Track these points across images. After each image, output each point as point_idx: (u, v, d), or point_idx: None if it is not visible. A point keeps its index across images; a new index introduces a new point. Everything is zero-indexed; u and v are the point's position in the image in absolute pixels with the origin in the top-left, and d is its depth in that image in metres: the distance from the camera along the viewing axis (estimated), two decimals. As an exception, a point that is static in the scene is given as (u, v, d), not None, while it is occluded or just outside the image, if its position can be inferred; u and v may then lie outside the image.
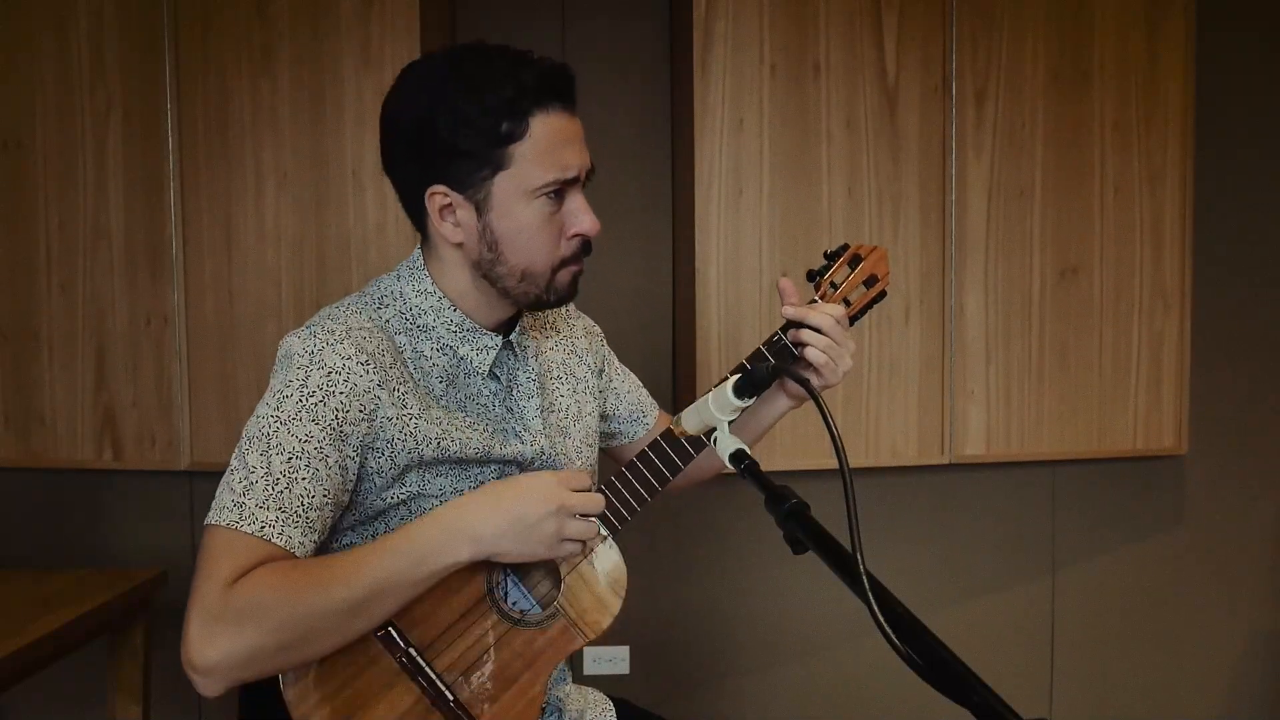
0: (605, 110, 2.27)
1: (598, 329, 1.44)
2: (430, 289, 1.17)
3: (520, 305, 1.19)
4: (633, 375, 1.47)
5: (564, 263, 1.16)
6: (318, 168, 1.97)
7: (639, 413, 1.45)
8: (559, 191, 1.13)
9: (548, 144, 1.10)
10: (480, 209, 1.12)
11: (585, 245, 1.17)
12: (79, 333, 1.99)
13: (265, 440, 1.04)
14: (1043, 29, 2.10)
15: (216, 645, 0.97)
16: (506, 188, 1.11)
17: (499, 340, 1.20)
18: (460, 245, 1.15)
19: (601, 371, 1.40)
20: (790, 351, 1.25)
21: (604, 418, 1.42)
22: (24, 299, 1.99)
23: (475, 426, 1.16)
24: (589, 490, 1.14)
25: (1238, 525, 2.48)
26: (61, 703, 2.21)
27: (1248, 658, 2.49)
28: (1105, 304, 2.14)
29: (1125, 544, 2.45)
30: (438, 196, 1.13)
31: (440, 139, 1.10)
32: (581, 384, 1.34)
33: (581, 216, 1.15)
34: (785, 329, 1.25)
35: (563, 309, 1.38)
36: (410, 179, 1.16)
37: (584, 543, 1.13)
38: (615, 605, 1.18)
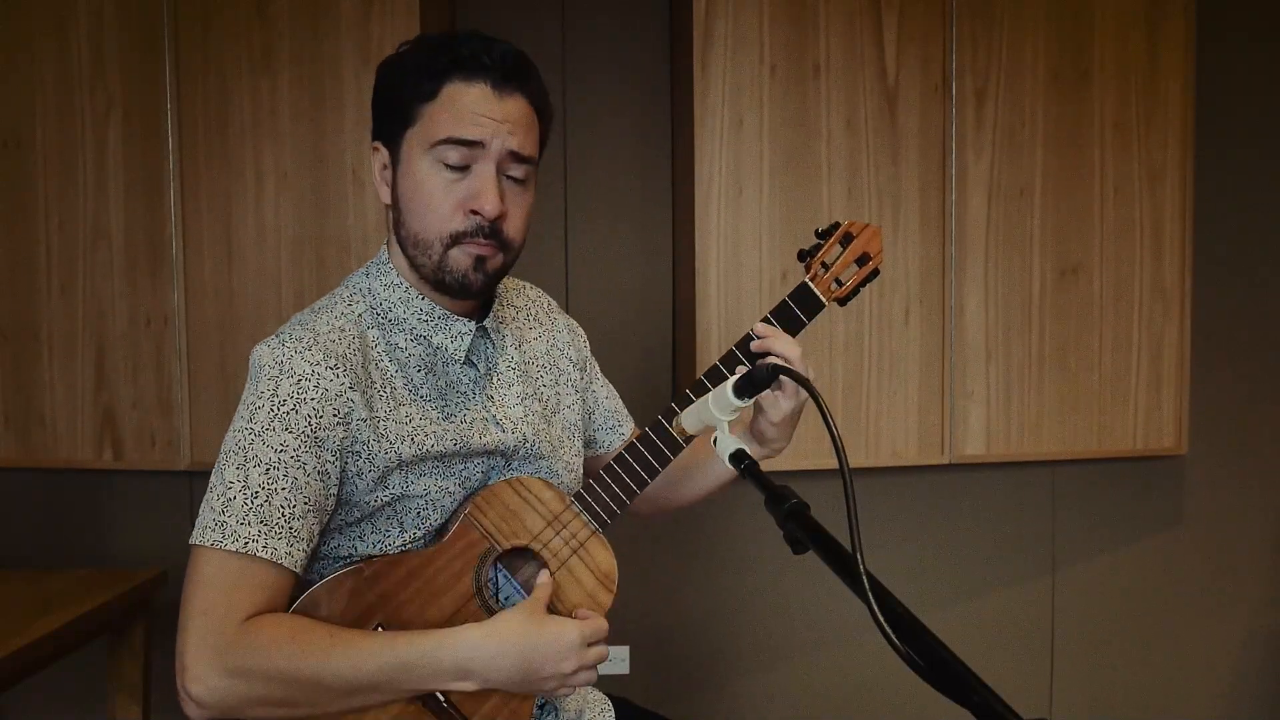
0: (605, 110, 2.27)
1: (582, 331, 1.42)
2: (396, 280, 1.17)
3: (430, 284, 1.15)
4: (611, 386, 1.45)
5: (456, 239, 1.10)
6: (318, 168, 1.97)
7: (615, 421, 1.42)
8: (463, 160, 1.09)
9: (456, 108, 1.09)
10: (394, 166, 1.14)
11: (490, 230, 1.11)
12: (79, 333, 1.99)
13: (241, 454, 1.04)
14: (1043, 29, 2.10)
15: (211, 686, 0.98)
16: (411, 143, 1.12)
17: (472, 326, 1.18)
18: (390, 208, 1.17)
19: (584, 370, 1.39)
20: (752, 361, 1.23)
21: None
22: (24, 299, 1.99)
23: (452, 418, 1.15)
24: (604, 639, 1.13)
25: (1237, 525, 2.48)
26: (61, 703, 2.21)
27: (1248, 658, 2.49)
28: (1105, 304, 2.14)
29: (1125, 544, 2.45)
30: (377, 154, 1.17)
31: (379, 98, 1.15)
32: (564, 376, 1.32)
33: (481, 193, 1.09)
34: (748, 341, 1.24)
35: (544, 304, 1.37)
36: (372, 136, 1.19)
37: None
38: (607, 600, 1.18)
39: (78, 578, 1.90)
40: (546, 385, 1.30)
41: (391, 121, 1.13)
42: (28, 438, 2.01)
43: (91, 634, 1.74)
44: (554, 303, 1.41)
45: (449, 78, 1.10)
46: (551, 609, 1.15)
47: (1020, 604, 2.42)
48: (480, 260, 1.12)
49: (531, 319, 1.33)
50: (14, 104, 1.97)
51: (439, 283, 1.14)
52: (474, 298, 1.17)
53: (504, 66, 1.11)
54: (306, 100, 1.96)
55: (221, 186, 1.97)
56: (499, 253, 1.13)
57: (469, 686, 1.06)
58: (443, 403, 1.16)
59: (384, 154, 1.16)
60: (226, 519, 1.02)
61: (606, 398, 1.43)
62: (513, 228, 1.14)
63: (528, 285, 1.39)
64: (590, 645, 1.10)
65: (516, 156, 1.12)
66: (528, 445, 1.21)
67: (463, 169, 1.10)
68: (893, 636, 0.72)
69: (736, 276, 2.05)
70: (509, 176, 1.13)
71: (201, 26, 1.95)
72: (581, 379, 1.37)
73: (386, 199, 1.16)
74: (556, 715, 1.26)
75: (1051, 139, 2.11)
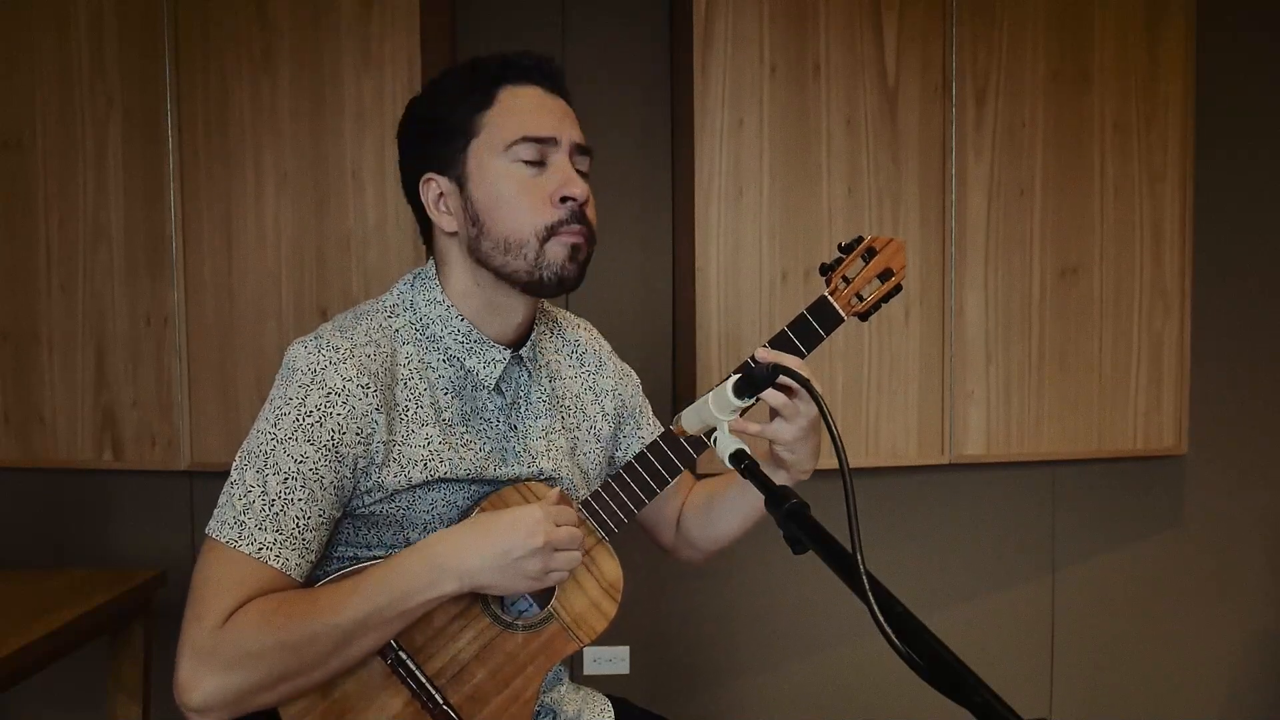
0: (605, 110, 2.27)
1: (634, 376, 1.39)
2: (439, 298, 1.17)
3: (519, 286, 1.14)
4: (660, 427, 1.40)
5: (552, 230, 1.12)
6: (318, 168, 1.97)
7: None
8: (538, 156, 1.12)
9: (518, 109, 1.12)
10: (461, 185, 1.13)
11: (580, 215, 1.13)
12: (79, 333, 1.99)
13: (262, 458, 1.04)
14: (1043, 29, 2.10)
15: (204, 687, 0.98)
16: (479, 153, 1.12)
17: (507, 354, 1.18)
18: (455, 235, 1.16)
19: (621, 419, 1.36)
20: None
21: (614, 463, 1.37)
22: (24, 299, 1.99)
23: (471, 445, 1.15)
24: (574, 523, 1.12)
25: (1237, 525, 2.48)
26: (61, 703, 2.21)
27: (1248, 658, 2.49)
28: (1105, 304, 2.14)
29: (1125, 544, 2.45)
30: (430, 184, 1.16)
31: (425, 126, 1.15)
32: (589, 423, 1.31)
33: (567, 179, 1.12)
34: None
35: (597, 344, 1.36)
36: (409, 176, 1.18)
37: (569, 572, 1.11)
38: (611, 609, 1.17)
39: (78, 578, 1.90)
40: (570, 426, 1.28)
41: (445, 145, 1.13)
42: (28, 438, 2.01)
43: (91, 634, 1.74)
44: (609, 348, 1.38)
45: (500, 84, 1.13)
46: (555, 616, 1.15)
47: (1020, 604, 2.42)
48: (575, 249, 1.13)
49: (575, 357, 1.32)
50: (14, 104, 1.97)
51: (535, 282, 1.13)
52: (569, 290, 1.16)
53: (549, 71, 1.15)
54: (306, 100, 1.96)
55: (221, 186, 1.97)
56: (588, 241, 1.15)
57: (449, 586, 1.04)
58: (464, 428, 1.15)
59: (440, 182, 1.15)
60: (246, 520, 1.02)
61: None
62: (592, 214, 1.16)
63: (585, 324, 1.37)
64: (559, 525, 1.08)
65: (581, 148, 1.16)
66: (542, 476, 1.20)
67: (539, 164, 1.12)
68: (893, 636, 0.72)
69: (736, 277, 2.05)
70: (577, 170, 1.15)
71: (201, 26, 1.95)
72: (611, 431, 1.34)
73: (450, 227, 1.15)
74: (556, 717, 1.26)
75: (1051, 139, 2.11)
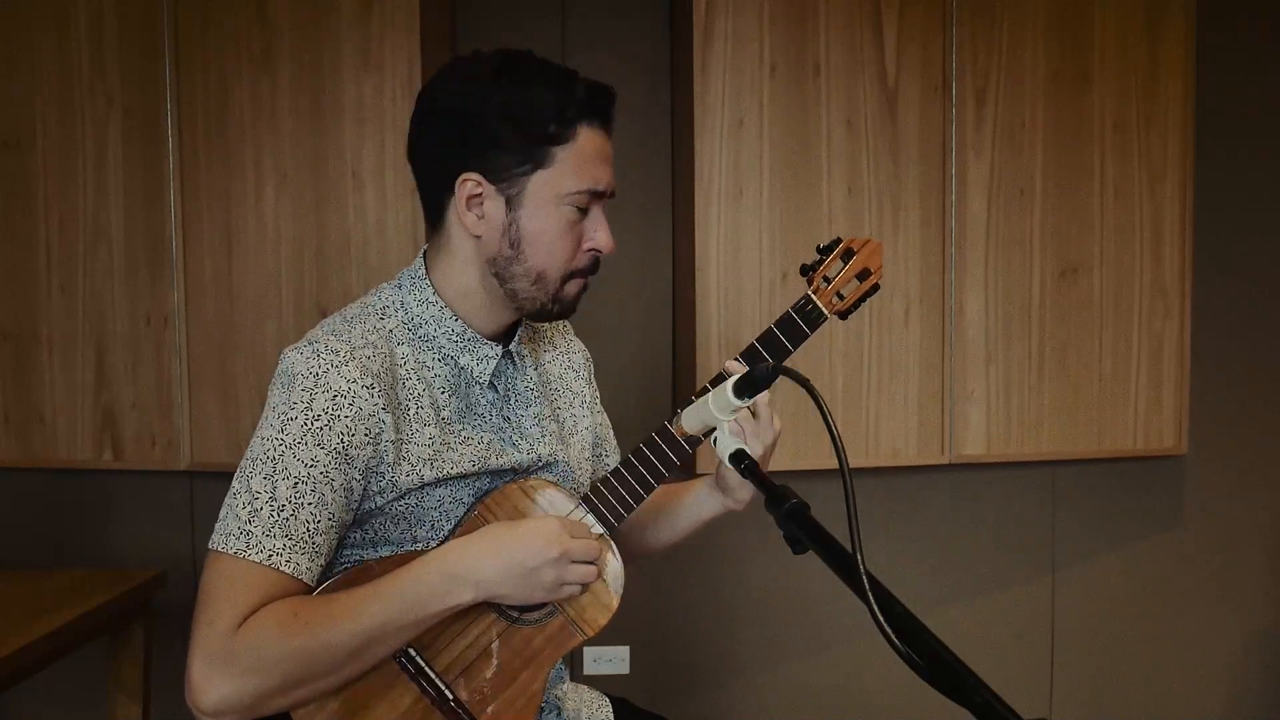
0: (605, 110, 2.27)
1: (589, 357, 1.43)
2: (432, 298, 1.17)
3: (523, 311, 1.19)
4: (606, 416, 1.44)
5: (574, 274, 1.17)
6: (318, 168, 1.97)
7: (602, 451, 1.40)
8: (588, 204, 1.15)
9: (588, 154, 1.13)
10: (511, 204, 1.13)
11: (595, 262, 1.19)
12: (79, 333, 1.99)
13: (270, 464, 1.04)
14: (1043, 29, 2.10)
15: (219, 691, 0.98)
16: (541, 187, 1.12)
17: (499, 350, 1.19)
18: (478, 238, 1.15)
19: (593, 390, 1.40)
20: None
21: None
22: (24, 299, 1.99)
23: (471, 440, 1.16)
24: (588, 536, 1.14)
25: (1237, 525, 2.47)
26: (61, 703, 2.21)
27: (1248, 658, 2.49)
28: (1105, 304, 2.14)
29: (1125, 544, 2.45)
30: (469, 184, 1.13)
31: (483, 128, 1.11)
32: (579, 398, 1.34)
33: (600, 232, 1.17)
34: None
35: (560, 327, 1.39)
36: (439, 165, 1.15)
37: (584, 585, 1.13)
38: (614, 603, 1.18)
39: (78, 578, 1.90)
40: (563, 407, 1.31)
41: (506, 158, 1.12)
42: (28, 438, 2.01)
43: (91, 634, 1.74)
44: (569, 325, 1.42)
45: (580, 121, 1.13)
46: (559, 610, 1.16)
47: (1020, 604, 2.42)
48: (583, 290, 1.21)
49: (547, 341, 1.35)
50: (14, 104, 1.97)
51: (544, 312, 1.18)
52: (561, 318, 1.23)
53: (612, 107, 1.17)
54: (306, 100, 1.96)
55: (221, 186, 1.97)
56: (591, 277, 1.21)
57: (465, 596, 1.06)
58: (462, 425, 1.16)
59: (484, 187, 1.13)
60: (252, 529, 1.02)
61: (601, 425, 1.41)
62: None
63: None
64: (575, 537, 1.11)
65: (613, 194, 1.19)
66: (540, 464, 1.21)
67: (584, 210, 1.16)
68: (893, 637, 0.72)
69: (736, 277, 2.05)
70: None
71: (201, 26, 1.95)
72: (591, 397, 1.38)
73: (478, 231, 1.15)
74: (559, 715, 1.26)
75: (1051, 139, 2.11)
